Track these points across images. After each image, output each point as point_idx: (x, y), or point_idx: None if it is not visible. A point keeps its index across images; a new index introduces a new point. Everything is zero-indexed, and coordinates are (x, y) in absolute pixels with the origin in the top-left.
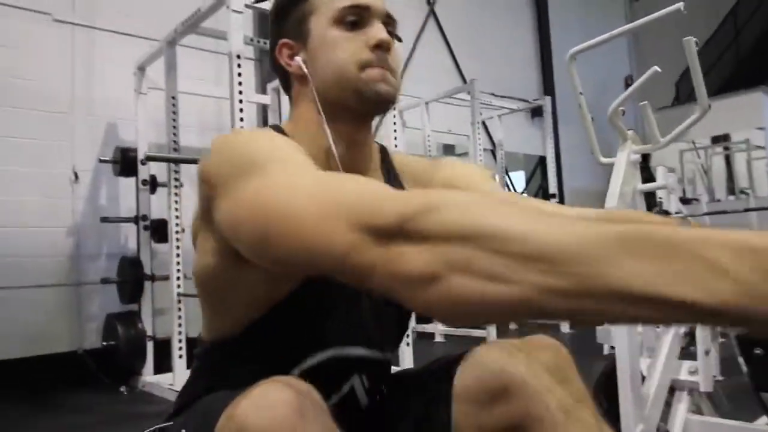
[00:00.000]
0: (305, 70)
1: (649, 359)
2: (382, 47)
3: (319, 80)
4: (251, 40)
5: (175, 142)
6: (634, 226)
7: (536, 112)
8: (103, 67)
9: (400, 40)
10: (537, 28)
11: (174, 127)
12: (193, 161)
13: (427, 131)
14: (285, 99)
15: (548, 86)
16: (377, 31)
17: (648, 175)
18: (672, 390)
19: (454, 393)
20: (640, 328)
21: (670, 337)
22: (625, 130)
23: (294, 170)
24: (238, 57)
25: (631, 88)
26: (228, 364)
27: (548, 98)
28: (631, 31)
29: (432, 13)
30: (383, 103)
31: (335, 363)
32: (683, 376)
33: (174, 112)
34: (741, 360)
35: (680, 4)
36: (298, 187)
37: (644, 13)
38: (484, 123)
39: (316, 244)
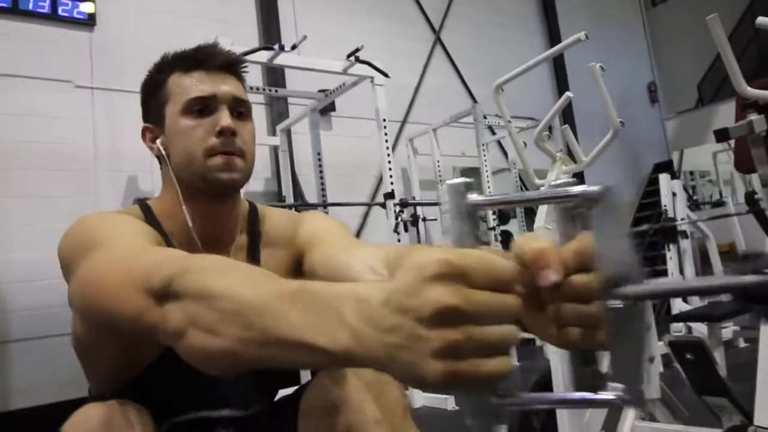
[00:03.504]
0: (163, 152)
1: None
2: (225, 133)
3: (174, 163)
4: (260, 88)
5: None
6: (307, 284)
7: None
8: (122, 124)
9: (250, 116)
10: (549, 46)
11: None
12: None
13: (437, 156)
14: (295, 139)
15: None
16: (221, 117)
17: None
18: None
19: (300, 411)
20: None
21: None
22: (554, 152)
23: (113, 250)
24: None
25: (550, 113)
26: None
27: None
28: (651, 39)
29: (438, 40)
30: (227, 189)
31: (199, 422)
32: None
33: None
34: (678, 366)
35: (582, 34)
36: (109, 264)
37: (664, 19)
38: (500, 143)
39: (115, 309)
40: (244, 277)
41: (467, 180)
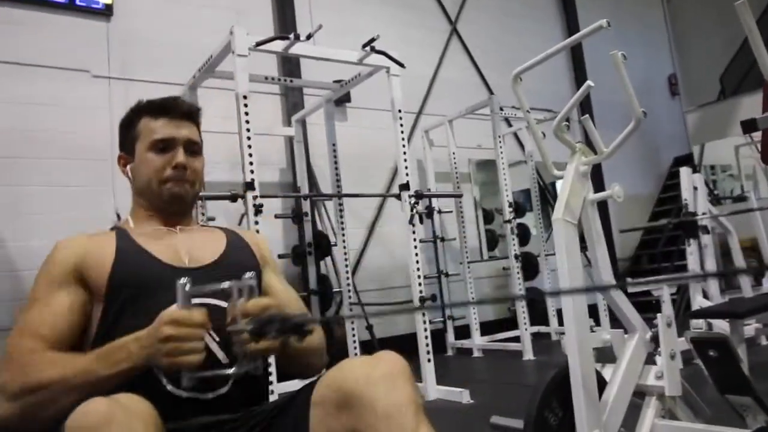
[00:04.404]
0: (130, 177)
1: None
2: (178, 167)
3: (139, 186)
4: (275, 78)
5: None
6: (108, 345)
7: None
8: None
9: (200, 153)
10: (567, 38)
11: None
12: (224, 197)
13: (452, 148)
14: (310, 129)
15: None
16: (177, 156)
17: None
18: (644, 396)
19: (312, 402)
20: (608, 335)
21: (633, 342)
22: (573, 143)
23: (22, 327)
24: (245, 97)
25: (571, 102)
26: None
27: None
28: (672, 30)
29: (455, 31)
30: (175, 198)
31: None
32: (650, 381)
33: None
34: (700, 363)
35: (604, 21)
36: (10, 340)
37: (685, 9)
38: (516, 135)
39: None
40: (64, 363)
41: (187, 280)
